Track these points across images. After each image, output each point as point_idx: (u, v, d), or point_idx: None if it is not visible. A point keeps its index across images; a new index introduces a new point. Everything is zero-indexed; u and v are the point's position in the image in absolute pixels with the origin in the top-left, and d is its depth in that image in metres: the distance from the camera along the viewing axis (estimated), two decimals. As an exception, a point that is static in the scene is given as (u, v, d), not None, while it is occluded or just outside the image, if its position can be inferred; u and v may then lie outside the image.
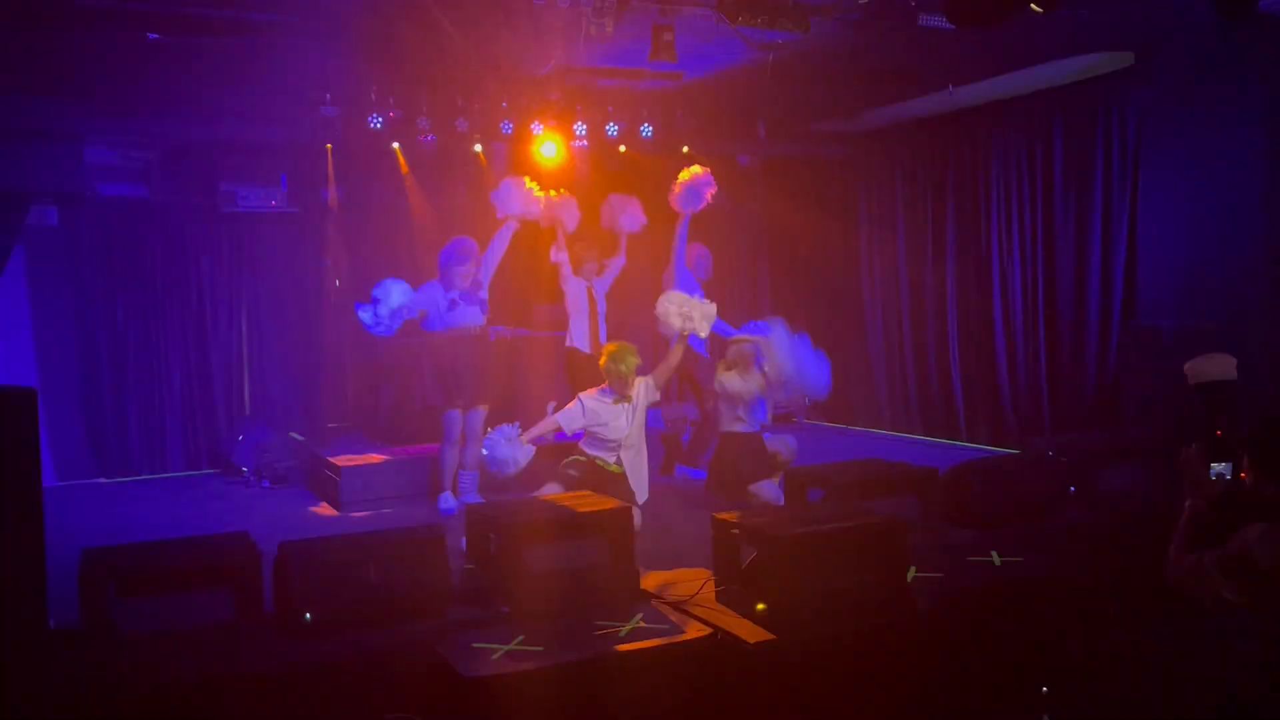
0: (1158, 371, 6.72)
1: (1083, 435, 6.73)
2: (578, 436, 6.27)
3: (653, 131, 8.21)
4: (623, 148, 8.71)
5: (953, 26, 5.34)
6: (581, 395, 6.08)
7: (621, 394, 6.08)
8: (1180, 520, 2.85)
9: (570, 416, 6.03)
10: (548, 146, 8.04)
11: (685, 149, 8.68)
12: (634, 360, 6.08)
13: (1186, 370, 3.42)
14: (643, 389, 6.11)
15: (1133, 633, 4.94)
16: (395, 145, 8.07)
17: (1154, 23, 6.54)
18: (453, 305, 6.62)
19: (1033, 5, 4.79)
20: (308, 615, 4.12)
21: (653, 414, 9.25)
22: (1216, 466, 2.77)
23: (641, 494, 6.07)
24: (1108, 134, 7.45)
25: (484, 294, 6.80)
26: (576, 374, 7.12)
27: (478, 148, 8.31)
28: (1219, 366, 3.38)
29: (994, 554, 5.09)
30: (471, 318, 6.71)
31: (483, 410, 6.79)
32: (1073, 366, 7.75)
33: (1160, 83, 7.09)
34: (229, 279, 8.47)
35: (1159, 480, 5.76)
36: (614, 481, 5.95)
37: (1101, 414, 7.41)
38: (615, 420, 6.06)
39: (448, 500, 6.70)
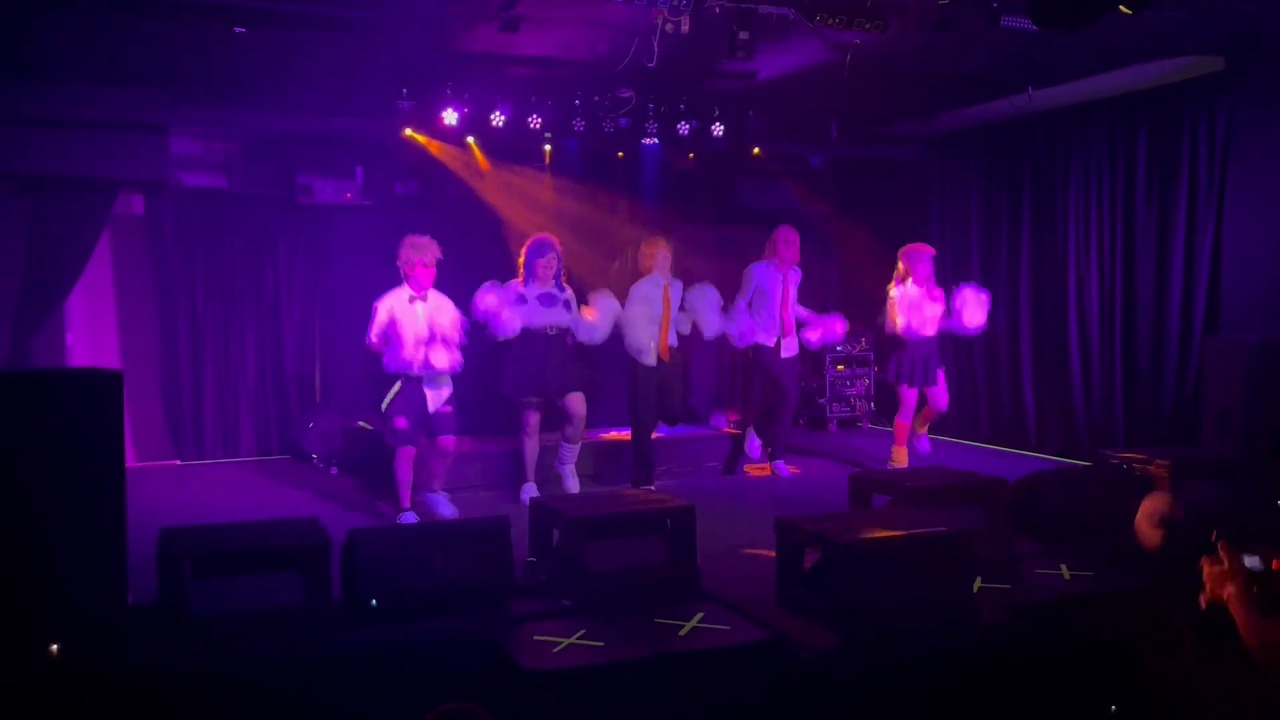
0: (1240, 385, 6.52)
1: (1159, 449, 6.55)
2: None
3: (724, 131, 8.18)
4: (691, 154, 8.69)
5: (1036, 28, 5.23)
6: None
7: (417, 290, 6.07)
8: (1234, 602, 2.63)
9: (378, 323, 6.03)
10: None
11: (756, 150, 8.63)
12: (427, 252, 6.05)
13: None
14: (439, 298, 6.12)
15: (1207, 654, 4.79)
16: (470, 139, 8.14)
17: (1245, 26, 6.33)
18: (521, 301, 6.58)
19: (1121, 7, 4.66)
20: (374, 601, 4.19)
21: (714, 414, 9.26)
22: (1248, 560, 2.58)
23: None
24: (1194, 140, 7.24)
25: (568, 294, 6.76)
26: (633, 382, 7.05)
27: (547, 146, 8.38)
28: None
29: (1063, 567, 4.99)
30: (549, 317, 6.61)
31: (576, 393, 6.71)
32: (1150, 378, 7.54)
33: (1251, 88, 6.86)
34: (304, 269, 8.64)
35: (1239, 497, 5.59)
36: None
37: (1179, 428, 7.20)
38: (412, 319, 6.02)
39: (531, 490, 6.65)
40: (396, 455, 6.09)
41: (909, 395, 7.51)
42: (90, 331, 8.25)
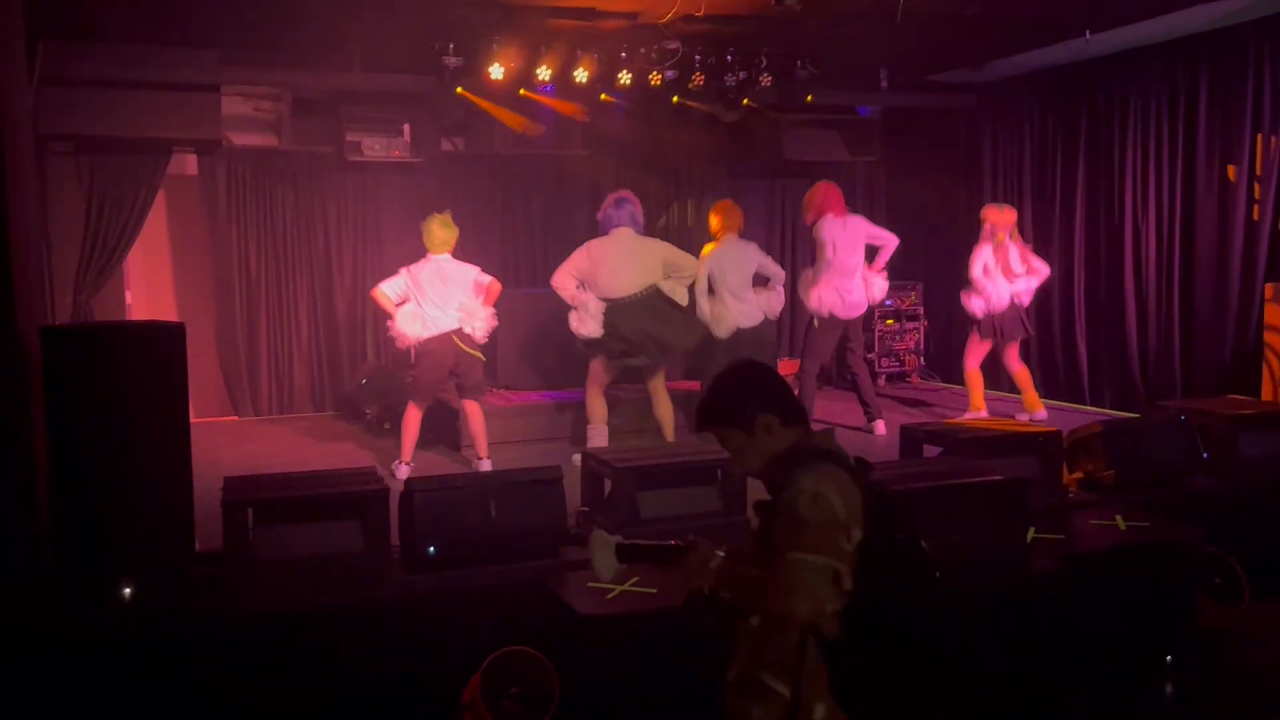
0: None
1: (1217, 400, 6.44)
2: None
3: (772, 82, 8.07)
4: (745, 100, 8.58)
5: (1095, -33, 5.09)
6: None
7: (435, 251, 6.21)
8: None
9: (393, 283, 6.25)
10: None
11: (810, 98, 8.48)
12: (447, 230, 6.20)
13: None
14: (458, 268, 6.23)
15: (1262, 605, 4.74)
16: (521, 90, 8.08)
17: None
18: None
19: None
20: (431, 549, 4.28)
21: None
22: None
23: None
24: (1258, 82, 7.02)
25: None
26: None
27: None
28: None
29: (1118, 518, 4.95)
30: None
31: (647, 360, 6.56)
32: (1209, 329, 7.39)
33: (1320, 27, 6.64)
34: (354, 226, 8.71)
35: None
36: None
37: (1239, 379, 7.06)
38: (431, 281, 6.16)
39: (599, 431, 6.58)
40: (407, 407, 6.33)
41: (980, 346, 7.41)
42: (148, 290, 8.42)
